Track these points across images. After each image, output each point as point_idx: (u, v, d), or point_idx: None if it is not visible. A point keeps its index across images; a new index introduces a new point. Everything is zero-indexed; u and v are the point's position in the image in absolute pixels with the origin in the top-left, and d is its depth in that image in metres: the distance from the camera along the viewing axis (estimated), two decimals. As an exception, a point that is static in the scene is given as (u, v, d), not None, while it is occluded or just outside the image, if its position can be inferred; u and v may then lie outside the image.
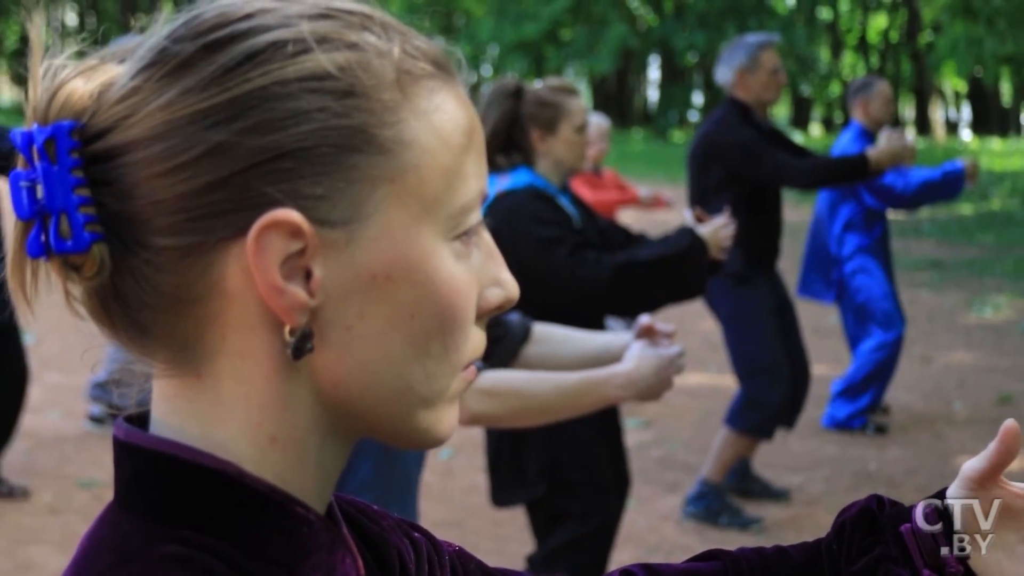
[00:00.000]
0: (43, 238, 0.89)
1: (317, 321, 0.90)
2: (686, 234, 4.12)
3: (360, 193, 0.90)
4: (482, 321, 0.99)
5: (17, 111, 48.79)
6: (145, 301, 0.91)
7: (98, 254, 0.89)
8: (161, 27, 0.93)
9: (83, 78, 0.92)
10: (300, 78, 0.89)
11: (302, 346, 0.90)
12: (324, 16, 0.92)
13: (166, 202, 0.88)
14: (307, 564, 0.94)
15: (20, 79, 57.11)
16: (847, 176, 6.36)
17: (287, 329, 0.90)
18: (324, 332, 0.91)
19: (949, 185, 7.59)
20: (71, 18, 55.53)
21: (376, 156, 0.90)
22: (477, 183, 0.96)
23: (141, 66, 0.90)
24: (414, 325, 0.92)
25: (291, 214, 0.87)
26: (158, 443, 0.93)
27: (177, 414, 0.94)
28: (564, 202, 4.26)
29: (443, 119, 0.94)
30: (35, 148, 0.89)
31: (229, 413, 0.93)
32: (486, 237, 0.99)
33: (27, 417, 7.46)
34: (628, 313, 4.31)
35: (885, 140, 6.15)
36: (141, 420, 0.98)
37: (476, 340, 0.98)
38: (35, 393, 8.15)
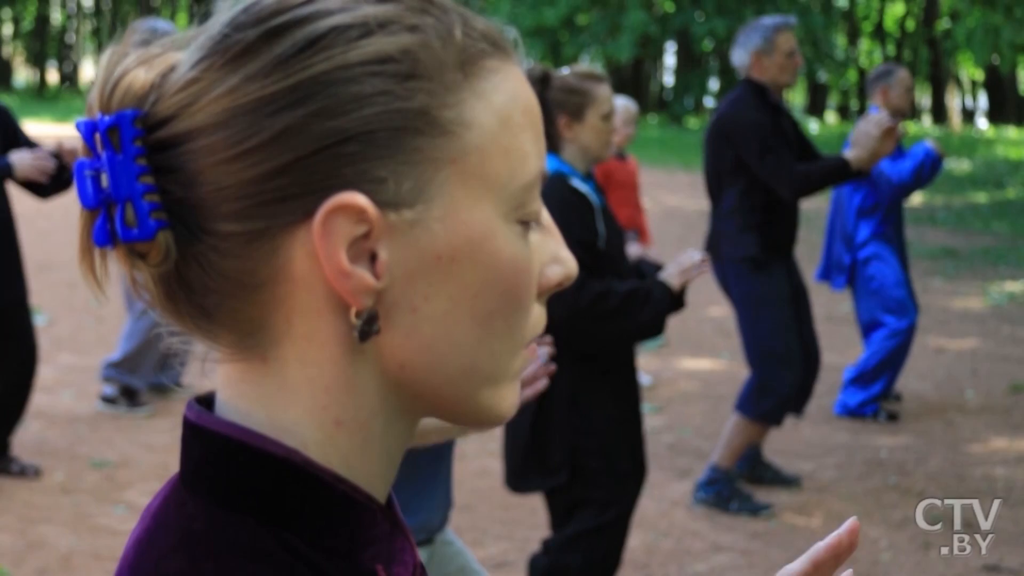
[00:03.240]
0: (109, 227, 0.90)
1: (383, 303, 0.91)
2: (655, 284, 4.24)
3: (424, 175, 0.90)
4: (542, 298, 0.99)
5: (32, 92, 48.86)
6: (210, 287, 0.91)
7: (164, 241, 0.90)
8: (221, 14, 0.93)
9: (144, 67, 0.92)
10: (363, 62, 0.89)
11: (368, 328, 0.91)
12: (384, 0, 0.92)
13: (231, 188, 0.88)
14: (367, 553, 0.95)
15: (36, 60, 57.26)
16: (833, 182, 6.27)
17: (353, 312, 0.90)
18: (390, 314, 0.91)
19: (930, 169, 7.64)
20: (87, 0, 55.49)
21: (439, 138, 0.90)
22: (537, 162, 0.96)
23: (203, 54, 0.91)
24: (478, 305, 0.93)
25: (357, 197, 0.88)
26: (227, 427, 0.93)
27: (243, 398, 0.95)
28: (587, 189, 4.26)
29: (503, 99, 0.94)
30: (99, 137, 0.90)
31: (295, 397, 0.93)
32: (544, 215, 0.99)
33: (40, 397, 7.49)
34: (586, 344, 4.32)
35: (858, 135, 5.95)
36: (208, 402, 0.99)
37: (537, 318, 0.99)
38: (48, 373, 8.18)
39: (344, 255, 0.88)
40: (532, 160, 0.95)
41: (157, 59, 0.93)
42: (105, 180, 0.89)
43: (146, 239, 0.89)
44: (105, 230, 0.90)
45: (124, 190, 0.89)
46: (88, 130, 0.90)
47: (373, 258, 0.90)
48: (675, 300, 4.21)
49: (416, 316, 0.92)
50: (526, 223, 0.96)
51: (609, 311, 4.13)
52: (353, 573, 0.94)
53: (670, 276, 4.22)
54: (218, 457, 0.93)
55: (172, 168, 0.89)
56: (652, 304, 4.18)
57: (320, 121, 0.88)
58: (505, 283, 0.93)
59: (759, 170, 6.13)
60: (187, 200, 0.89)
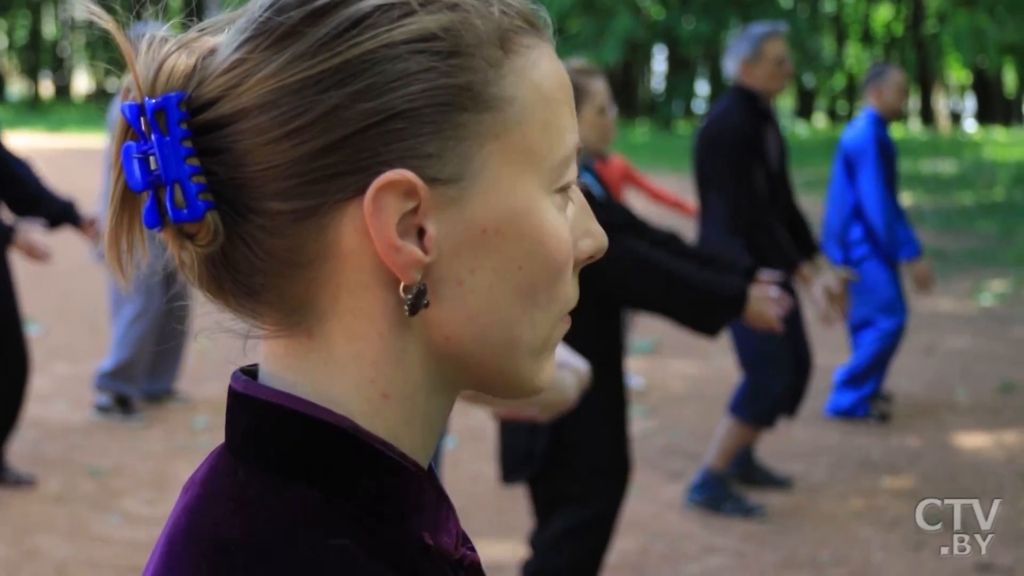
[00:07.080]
0: (158, 208, 0.92)
1: (430, 277, 0.93)
2: (738, 285, 4.11)
3: (469, 150, 0.92)
4: (576, 271, 1.01)
5: (26, 104, 48.66)
6: (257, 266, 0.93)
7: (212, 222, 0.91)
8: None
9: (184, 51, 0.94)
10: (407, 40, 0.91)
11: (418, 302, 0.93)
12: None
13: (280, 167, 0.90)
14: (415, 520, 0.97)
15: (30, 72, 57.08)
16: (769, 265, 6.30)
17: (402, 286, 0.92)
18: (436, 288, 0.93)
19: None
20: (80, 10, 55.25)
21: (483, 113, 0.92)
22: (572, 136, 0.98)
23: (246, 36, 0.93)
24: (522, 276, 0.95)
25: (406, 174, 0.90)
26: (275, 396, 0.95)
27: (289, 371, 0.96)
28: (588, 179, 4.28)
29: (541, 74, 0.96)
30: (146, 120, 0.92)
31: (342, 371, 0.95)
32: (576, 189, 1.01)
33: (34, 406, 7.49)
34: (623, 301, 4.29)
35: (819, 288, 6.03)
36: (252, 375, 1.01)
37: (573, 289, 1.01)
38: (43, 383, 8.18)
39: (394, 230, 0.90)
40: (568, 134, 0.98)
41: (195, 43, 0.95)
42: (154, 162, 0.91)
43: (195, 220, 0.91)
44: (155, 212, 0.92)
45: (173, 171, 0.90)
46: (134, 113, 0.92)
47: (421, 233, 0.92)
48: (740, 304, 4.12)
49: (462, 289, 0.94)
50: (564, 196, 0.98)
51: (652, 283, 4.08)
52: (402, 539, 0.95)
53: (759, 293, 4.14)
54: (267, 425, 0.95)
55: (218, 149, 0.91)
56: (730, 277, 4.11)
57: (367, 99, 0.89)
58: (547, 254, 0.96)
59: (719, 189, 6.18)
60: (234, 180, 0.91)
